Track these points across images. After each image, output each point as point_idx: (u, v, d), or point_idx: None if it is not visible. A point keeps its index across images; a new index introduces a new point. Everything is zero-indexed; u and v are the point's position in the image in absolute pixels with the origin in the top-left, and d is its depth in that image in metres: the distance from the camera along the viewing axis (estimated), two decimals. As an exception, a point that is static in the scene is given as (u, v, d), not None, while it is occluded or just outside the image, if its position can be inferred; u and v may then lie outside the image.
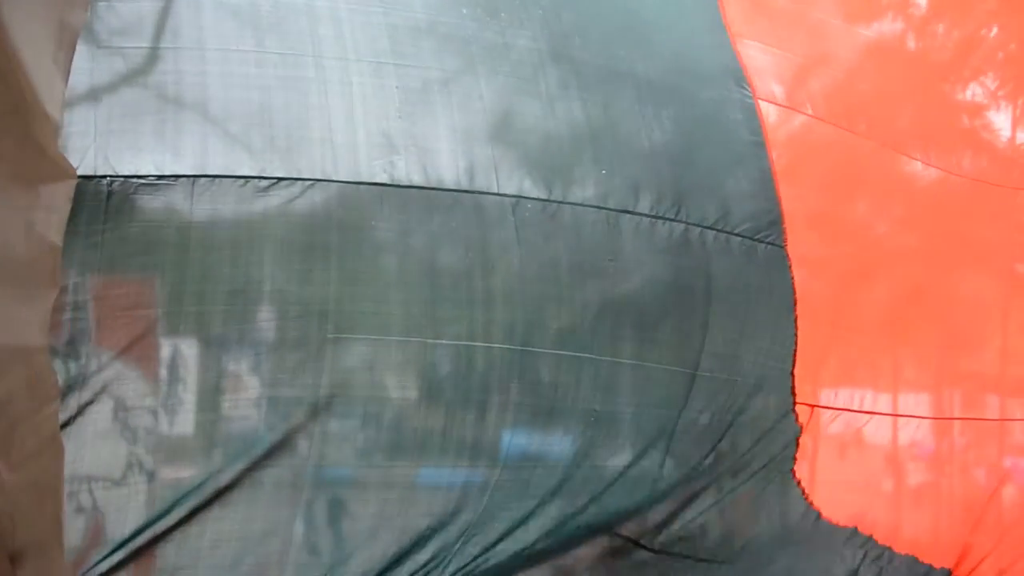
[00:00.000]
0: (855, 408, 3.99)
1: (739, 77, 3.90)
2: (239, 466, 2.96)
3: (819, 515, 3.81)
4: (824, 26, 4.29)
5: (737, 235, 3.70)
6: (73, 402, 2.79)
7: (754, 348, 3.73)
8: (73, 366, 2.79)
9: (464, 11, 3.49)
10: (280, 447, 3.01)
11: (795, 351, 3.76)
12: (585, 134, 3.55)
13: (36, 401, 1.73)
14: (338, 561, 3.09)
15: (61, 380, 2.76)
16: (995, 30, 4.51)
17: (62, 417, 2.75)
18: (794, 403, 3.79)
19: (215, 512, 2.92)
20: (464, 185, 3.28)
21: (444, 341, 3.23)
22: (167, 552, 2.88)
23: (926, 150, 4.22)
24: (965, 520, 4.05)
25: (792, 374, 3.77)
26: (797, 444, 3.78)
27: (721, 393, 3.64)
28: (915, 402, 4.01)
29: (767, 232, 3.76)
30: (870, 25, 4.40)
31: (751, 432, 3.71)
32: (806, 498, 3.81)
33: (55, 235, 1.70)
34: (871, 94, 4.25)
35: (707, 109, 3.86)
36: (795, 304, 3.77)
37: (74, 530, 2.79)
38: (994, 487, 4.07)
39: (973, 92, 4.51)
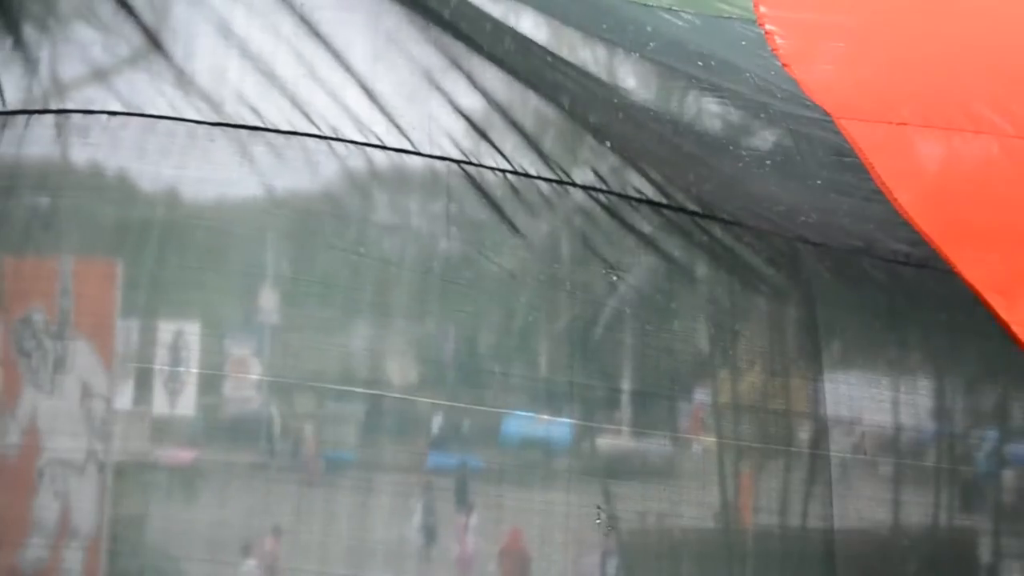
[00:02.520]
0: None
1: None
2: (234, 449, 2.90)
3: None
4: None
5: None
6: (58, 385, 2.79)
7: None
8: (59, 347, 2.80)
9: None
10: (282, 430, 2.92)
11: None
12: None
13: None
14: None
15: (50, 363, 2.80)
16: None
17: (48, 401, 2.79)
18: None
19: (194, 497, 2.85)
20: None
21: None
22: (124, 540, 2.81)
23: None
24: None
25: None
26: None
27: None
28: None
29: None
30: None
31: None
32: None
33: None
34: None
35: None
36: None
37: (50, 516, 2.77)
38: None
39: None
